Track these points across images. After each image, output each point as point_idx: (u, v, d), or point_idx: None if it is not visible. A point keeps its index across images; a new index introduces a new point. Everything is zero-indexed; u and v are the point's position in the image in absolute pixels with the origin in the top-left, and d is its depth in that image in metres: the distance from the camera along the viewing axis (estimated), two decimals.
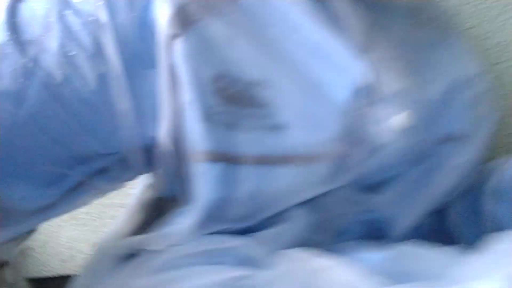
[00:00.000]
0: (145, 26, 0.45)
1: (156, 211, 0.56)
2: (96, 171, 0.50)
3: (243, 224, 0.52)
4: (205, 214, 0.50)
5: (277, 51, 0.46)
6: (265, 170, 0.47)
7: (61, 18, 0.45)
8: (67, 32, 0.45)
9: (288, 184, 0.50)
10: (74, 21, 0.45)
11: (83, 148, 0.47)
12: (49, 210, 0.49)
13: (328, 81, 0.46)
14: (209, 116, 0.45)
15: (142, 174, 0.54)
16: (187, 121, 0.46)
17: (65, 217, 0.91)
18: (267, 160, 0.48)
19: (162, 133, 0.47)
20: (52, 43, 0.45)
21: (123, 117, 0.47)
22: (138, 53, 0.46)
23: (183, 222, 0.51)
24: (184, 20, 0.44)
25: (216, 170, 0.48)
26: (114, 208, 0.90)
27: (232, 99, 0.46)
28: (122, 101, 0.46)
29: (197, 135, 0.46)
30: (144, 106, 0.47)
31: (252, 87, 0.45)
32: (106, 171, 0.50)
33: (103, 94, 0.46)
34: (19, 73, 0.44)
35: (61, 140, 0.46)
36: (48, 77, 0.44)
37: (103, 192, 0.53)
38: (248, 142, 0.46)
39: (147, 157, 0.50)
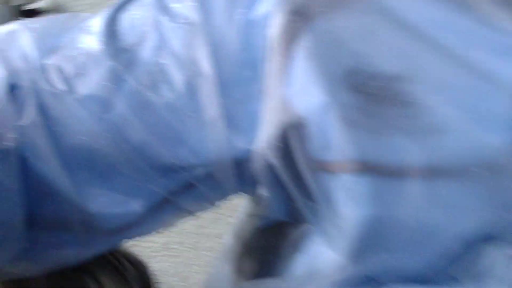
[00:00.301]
0: (247, 26, 0.44)
1: (265, 242, 0.50)
2: (181, 187, 0.47)
3: (407, 259, 0.44)
4: (358, 239, 0.42)
5: (423, 37, 0.43)
6: (426, 184, 0.41)
7: (157, 25, 0.46)
8: (161, 39, 0.45)
9: (457, 204, 0.43)
10: (169, 27, 0.46)
11: (166, 159, 0.45)
12: (130, 229, 0.47)
13: (497, 68, 0.42)
14: (348, 119, 0.41)
15: (233, 193, 0.50)
16: (317, 126, 0.42)
17: (157, 247, 0.87)
18: (424, 172, 0.41)
19: (265, 143, 0.44)
20: (145, 51, 0.45)
21: (212, 125, 0.45)
22: (235, 55, 0.44)
23: (326, 253, 0.44)
24: (306, 13, 0.43)
25: (365, 184, 0.41)
26: (211, 238, 0.84)
27: (372, 98, 0.42)
28: (212, 108, 0.45)
29: (336, 142, 0.41)
30: (238, 113, 0.45)
31: (395, 82, 0.42)
32: (192, 187, 0.47)
33: (191, 100, 0.45)
34: (109, 79, 0.44)
35: (144, 150, 0.45)
36: (138, 85, 0.44)
37: (190, 213, 0.50)
38: (397, 149, 0.41)
39: (239, 172, 0.47)
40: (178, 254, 0.83)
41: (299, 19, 0.42)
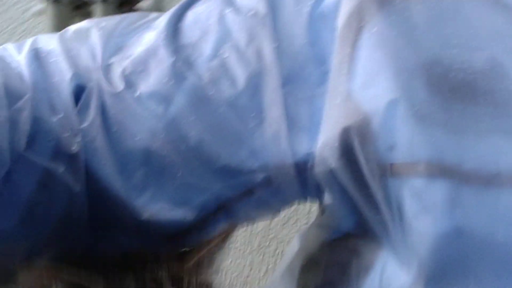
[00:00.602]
0: (316, 19, 0.42)
1: (331, 257, 0.46)
2: (239, 193, 0.45)
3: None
4: (434, 260, 0.36)
5: None
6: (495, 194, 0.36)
7: (221, 19, 0.45)
8: (224, 33, 0.44)
9: None
10: (233, 20, 0.44)
11: (224, 161, 0.43)
12: (184, 236, 0.46)
13: None
14: (422, 116, 0.37)
15: (295, 200, 0.48)
16: (384, 123, 0.38)
17: None
18: (500, 180, 0.35)
19: (327, 144, 0.41)
20: (207, 46, 0.44)
21: (273, 126, 0.43)
22: (302, 51, 0.42)
23: (400, 275, 0.39)
24: (377, 1, 0.39)
25: (440, 190, 0.36)
26: (278, 242, 0.80)
27: (453, 93, 0.37)
28: (274, 107, 0.43)
29: (405, 141, 0.37)
30: (301, 114, 0.43)
31: (481, 77, 0.37)
32: (250, 194, 0.45)
33: (252, 97, 0.43)
34: (170, 75, 0.44)
35: (202, 150, 0.43)
36: (198, 81, 0.43)
37: (248, 221, 0.49)
38: (477, 152, 0.36)
39: (301, 177, 0.44)
40: (243, 256, 0.79)
41: (371, 4, 0.39)
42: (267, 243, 0.80)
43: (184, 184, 0.43)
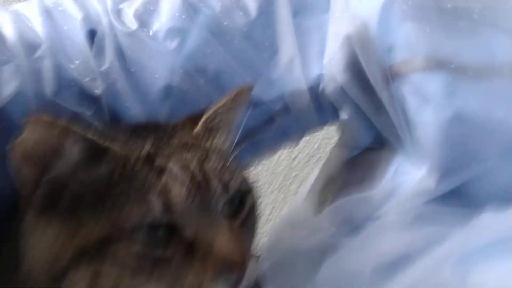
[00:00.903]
0: None
1: (350, 173, 0.48)
2: (260, 122, 0.47)
3: (503, 170, 0.38)
4: (441, 148, 0.38)
5: None
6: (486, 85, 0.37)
7: None
8: None
9: None
10: None
11: None
12: None
13: None
14: (416, 16, 0.38)
15: (314, 127, 0.50)
16: (381, 26, 0.39)
17: None
18: (487, 72, 0.37)
19: (333, 59, 0.44)
20: None
21: (286, 55, 0.44)
22: None
23: (412, 172, 0.42)
24: None
25: (438, 81, 0.37)
26: (300, 182, 0.79)
27: None
28: (287, 37, 0.44)
29: (402, 41, 0.39)
30: (311, 41, 0.45)
31: None
32: (271, 122, 0.47)
33: (265, 27, 0.44)
34: (182, 10, 0.44)
35: (221, 81, 0.45)
36: (211, 12, 0.43)
37: (271, 152, 0.51)
38: (471, 46, 0.37)
39: (316, 102, 0.46)
40: (266, 194, 0.79)
41: None
42: (289, 181, 0.80)
43: None
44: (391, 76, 0.39)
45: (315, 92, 0.45)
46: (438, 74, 0.37)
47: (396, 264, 0.36)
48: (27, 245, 0.31)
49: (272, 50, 0.44)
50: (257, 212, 0.37)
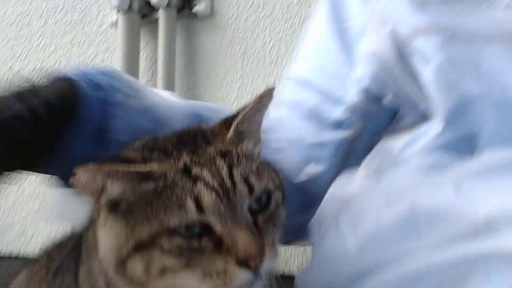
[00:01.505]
0: None
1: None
2: (329, 124, 0.55)
3: None
4: (443, 91, 0.45)
5: None
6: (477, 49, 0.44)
7: None
8: None
9: None
10: None
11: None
12: None
13: None
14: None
15: (381, 127, 0.57)
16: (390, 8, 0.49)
17: None
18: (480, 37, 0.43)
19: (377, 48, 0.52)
20: None
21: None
22: None
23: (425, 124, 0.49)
24: None
25: (435, 41, 0.44)
26: None
27: None
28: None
29: (405, 15, 0.47)
30: None
31: None
32: (340, 125, 0.55)
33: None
34: None
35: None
36: None
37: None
38: (473, 21, 0.45)
39: (372, 102, 0.54)
40: None
41: None
42: None
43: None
44: (404, 47, 0.47)
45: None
46: (436, 37, 0.44)
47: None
48: (101, 236, 0.41)
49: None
50: (283, 208, 0.44)
